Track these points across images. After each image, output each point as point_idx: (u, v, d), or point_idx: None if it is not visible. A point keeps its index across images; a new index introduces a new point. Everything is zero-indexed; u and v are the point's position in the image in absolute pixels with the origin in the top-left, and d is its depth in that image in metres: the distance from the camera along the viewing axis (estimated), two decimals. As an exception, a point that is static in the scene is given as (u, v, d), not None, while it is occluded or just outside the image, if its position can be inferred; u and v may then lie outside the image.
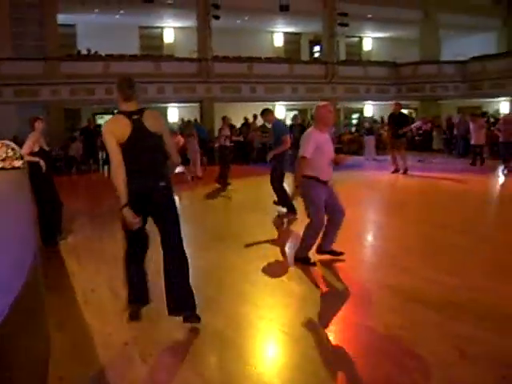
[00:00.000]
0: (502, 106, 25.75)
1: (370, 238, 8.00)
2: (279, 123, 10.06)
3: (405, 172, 15.15)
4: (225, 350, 3.98)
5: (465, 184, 13.16)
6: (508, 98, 25.26)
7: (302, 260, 6.17)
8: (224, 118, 14.42)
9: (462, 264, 6.11)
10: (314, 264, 6.11)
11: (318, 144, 5.90)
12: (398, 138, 15.28)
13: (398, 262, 6.18)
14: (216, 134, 17.73)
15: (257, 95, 24.16)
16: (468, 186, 12.91)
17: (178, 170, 12.76)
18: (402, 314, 4.54)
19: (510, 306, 4.66)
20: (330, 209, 6.08)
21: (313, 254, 6.21)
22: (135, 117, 4.13)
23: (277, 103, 25.99)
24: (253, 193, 13.21)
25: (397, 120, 15.41)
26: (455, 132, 21.45)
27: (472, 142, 17.51)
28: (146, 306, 4.51)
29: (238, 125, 22.99)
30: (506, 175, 14.68)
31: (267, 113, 9.94)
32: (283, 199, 9.40)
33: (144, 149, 4.13)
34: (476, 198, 11.25)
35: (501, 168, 15.41)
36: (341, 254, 6.29)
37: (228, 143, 13.90)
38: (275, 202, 9.74)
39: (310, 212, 6.07)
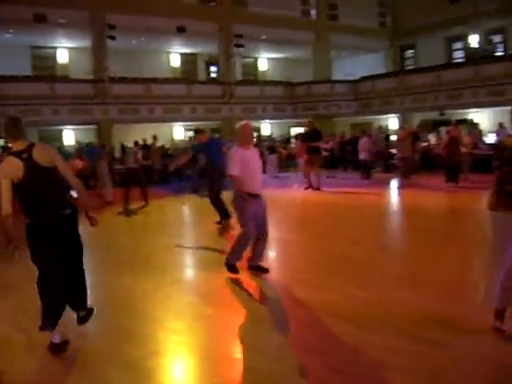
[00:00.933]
0: (391, 121, 27.57)
1: (278, 255, 8.23)
2: (213, 143, 10.92)
3: (317, 189, 15.81)
4: (147, 381, 4.03)
5: (362, 199, 14.01)
6: (396, 115, 27.05)
7: (230, 267, 6.60)
8: (136, 143, 15.15)
9: (371, 277, 6.47)
10: (238, 271, 6.57)
11: (242, 161, 6.38)
12: (315, 153, 15.91)
13: (308, 278, 6.45)
14: (117, 156, 17.77)
15: (155, 116, 24.35)
16: (365, 200, 13.75)
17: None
18: (319, 329, 4.73)
19: (421, 314, 4.94)
20: (257, 224, 6.49)
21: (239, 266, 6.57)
22: (25, 155, 4.26)
23: (175, 124, 26.31)
24: (159, 215, 13.41)
25: (311, 136, 16.13)
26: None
27: (360, 156, 18.86)
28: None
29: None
30: (401, 188, 15.88)
31: (200, 133, 10.96)
32: (223, 210, 10.23)
33: (40, 183, 4.30)
34: (375, 211, 12.03)
35: (398, 181, 16.58)
36: (267, 270, 6.66)
37: (137, 165, 13.97)
38: (219, 222, 10.43)
39: (241, 223, 6.49)
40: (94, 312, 4.92)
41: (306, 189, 16.01)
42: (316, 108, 28.08)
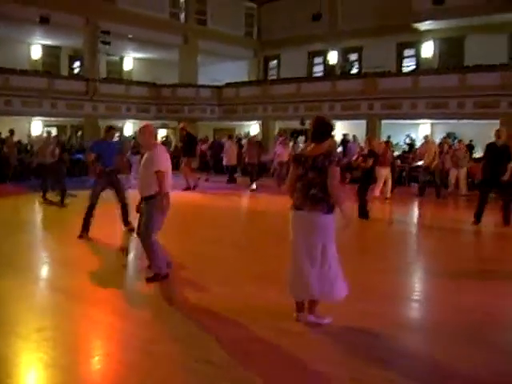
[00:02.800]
0: (253, 128, 28.91)
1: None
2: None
3: (194, 188, 17.07)
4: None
5: (230, 200, 14.89)
6: (258, 122, 28.45)
7: (157, 278, 6.59)
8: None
9: (233, 274, 7.04)
10: (167, 276, 6.66)
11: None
12: (189, 156, 17.34)
13: (172, 277, 6.76)
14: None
15: (13, 109, 23.53)
16: (232, 202, 14.65)
17: None
18: (190, 325, 5.09)
19: (280, 307, 5.46)
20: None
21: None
22: None
23: (34, 118, 25.63)
24: (17, 213, 13.23)
25: (187, 140, 17.46)
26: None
27: (224, 162, 19.95)
28: None
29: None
30: (253, 191, 17.01)
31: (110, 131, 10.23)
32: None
33: None
34: (237, 213, 12.92)
35: (251, 185, 17.75)
36: (167, 276, 6.71)
37: None
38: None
39: (152, 226, 6.46)
40: None
41: (185, 190, 16.79)
42: (181, 111, 28.70)
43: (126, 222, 10.07)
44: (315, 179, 4.93)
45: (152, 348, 4.55)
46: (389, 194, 15.81)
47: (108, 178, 9.70)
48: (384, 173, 15.60)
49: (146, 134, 6.63)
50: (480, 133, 21.00)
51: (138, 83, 29.50)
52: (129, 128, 30.09)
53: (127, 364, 4.32)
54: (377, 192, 15.51)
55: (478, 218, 11.23)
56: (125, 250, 8.72)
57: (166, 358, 4.38)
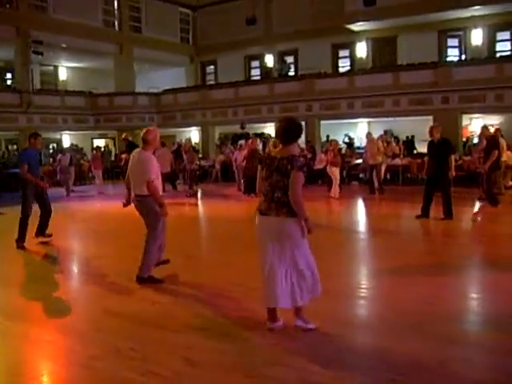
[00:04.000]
0: (193, 134, 28.92)
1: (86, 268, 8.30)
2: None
3: None
4: None
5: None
6: (197, 128, 28.50)
7: (149, 280, 6.72)
8: None
9: (175, 282, 6.94)
10: (161, 281, 6.77)
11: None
12: None
13: (117, 288, 6.75)
14: None
15: None
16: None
17: None
18: (132, 337, 4.98)
19: (231, 313, 5.49)
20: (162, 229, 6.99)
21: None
22: None
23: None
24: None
25: (129, 150, 16.96)
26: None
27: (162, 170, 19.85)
28: None
29: None
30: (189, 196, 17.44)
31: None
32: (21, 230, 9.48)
33: None
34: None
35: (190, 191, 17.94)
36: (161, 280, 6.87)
37: None
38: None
39: (154, 226, 6.72)
40: None
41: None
42: (119, 120, 28.40)
43: (43, 232, 9.90)
44: (279, 182, 4.79)
45: (95, 364, 4.45)
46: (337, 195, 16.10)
47: (36, 187, 9.54)
48: (336, 172, 16.02)
49: (153, 134, 6.73)
50: (415, 129, 21.78)
51: (74, 93, 29.01)
52: (66, 140, 29.50)
53: (70, 382, 4.26)
54: (334, 192, 16.00)
55: (424, 212, 11.60)
56: None
57: (109, 373, 4.29)
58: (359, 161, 19.43)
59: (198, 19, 33.09)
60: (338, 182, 16.10)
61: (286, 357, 4.47)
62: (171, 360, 4.45)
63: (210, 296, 6.24)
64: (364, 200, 16.04)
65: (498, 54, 23.84)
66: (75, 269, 8.60)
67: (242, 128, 25.18)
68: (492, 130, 15.35)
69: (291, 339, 4.85)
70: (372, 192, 16.68)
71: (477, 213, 12.37)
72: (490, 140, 13.42)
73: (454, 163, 11.54)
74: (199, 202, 17.05)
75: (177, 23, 32.69)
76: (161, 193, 6.77)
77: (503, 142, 15.23)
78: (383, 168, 17.81)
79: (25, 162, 9.46)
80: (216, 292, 6.39)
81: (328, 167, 16.35)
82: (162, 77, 32.12)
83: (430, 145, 11.71)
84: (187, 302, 6.05)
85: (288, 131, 4.91)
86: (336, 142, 17.35)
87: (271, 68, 29.00)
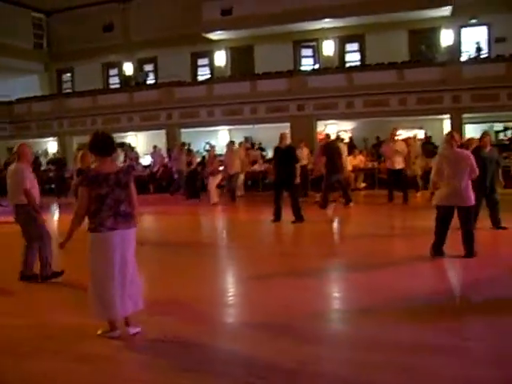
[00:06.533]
0: (50, 145, 27.86)
1: None
2: None
3: None
4: None
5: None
6: (54, 138, 27.45)
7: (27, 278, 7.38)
8: None
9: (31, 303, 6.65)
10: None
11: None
12: None
13: None
14: None
15: None
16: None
17: None
18: None
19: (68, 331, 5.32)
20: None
21: None
22: None
23: None
24: None
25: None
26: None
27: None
28: None
29: None
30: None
31: None
32: None
33: None
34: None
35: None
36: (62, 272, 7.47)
37: None
38: None
39: (34, 233, 7.33)
40: None
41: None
42: (-34, 130, 26.73)
43: None
44: (121, 195, 4.98)
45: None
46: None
47: None
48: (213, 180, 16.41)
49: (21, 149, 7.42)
50: (274, 135, 22.45)
51: None
52: None
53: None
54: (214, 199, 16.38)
55: (277, 216, 12.05)
56: None
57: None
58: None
59: (52, 25, 31.66)
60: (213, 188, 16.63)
61: (145, 371, 4.43)
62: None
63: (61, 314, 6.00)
64: (224, 208, 16.36)
65: (347, 64, 25.19)
66: None
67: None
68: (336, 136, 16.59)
69: (148, 351, 4.81)
70: (233, 200, 17.18)
71: (330, 213, 13.08)
72: (322, 147, 14.43)
73: (299, 170, 12.15)
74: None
75: (29, 28, 31.04)
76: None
77: (343, 148, 16.31)
78: (242, 176, 18.36)
79: None
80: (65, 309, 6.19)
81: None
82: (15, 85, 30.48)
83: (277, 151, 12.24)
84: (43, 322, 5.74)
85: (108, 144, 5.11)
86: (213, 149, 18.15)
87: (130, 76, 28.62)
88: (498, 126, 22.58)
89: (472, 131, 18.81)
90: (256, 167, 20.04)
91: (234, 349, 4.87)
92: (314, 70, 25.49)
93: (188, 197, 18.36)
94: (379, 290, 6.46)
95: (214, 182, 16.72)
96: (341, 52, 25.54)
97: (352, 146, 20.22)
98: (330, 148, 14.07)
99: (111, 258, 4.95)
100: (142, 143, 26.42)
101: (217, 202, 16.43)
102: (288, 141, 12.18)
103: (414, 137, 18.37)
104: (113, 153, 5.15)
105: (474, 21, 23.04)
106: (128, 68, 28.54)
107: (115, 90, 27.98)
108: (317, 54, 26.17)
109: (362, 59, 25.15)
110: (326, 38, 25.11)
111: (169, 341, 4.98)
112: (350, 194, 14.92)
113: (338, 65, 24.95)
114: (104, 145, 5.06)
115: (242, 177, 18.50)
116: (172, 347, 4.87)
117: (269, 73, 23.76)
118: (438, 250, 7.99)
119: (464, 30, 23.86)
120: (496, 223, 10.08)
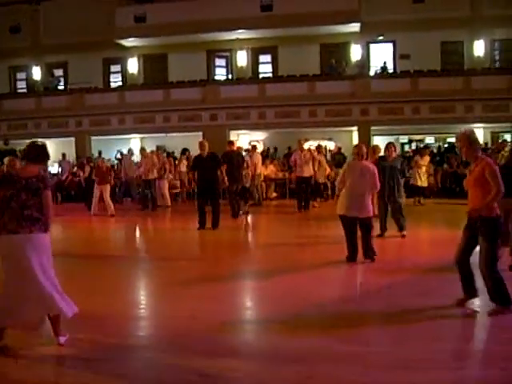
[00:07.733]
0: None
1: None
2: None
3: None
4: None
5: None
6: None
7: None
8: None
9: None
10: None
11: None
12: None
13: None
14: None
15: None
16: None
17: None
18: None
19: None
20: None
21: None
22: None
23: None
24: None
25: None
26: None
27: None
28: None
29: None
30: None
31: None
32: None
33: None
34: None
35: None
36: None
37: None
38: None
39: None
40: None
41: None
42: None
43: None
44: (29, 200, 4.93)
45: None
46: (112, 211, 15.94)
47: None
48: (99, 190, 15.88)
49: None
50: (187, 144, 22.36)
51: None
52: None
53: None
54: (95, 209, 15.99)
55: (201, 223, 12.09)
56: None
57: None
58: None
59: None
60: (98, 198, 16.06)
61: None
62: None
63: None
64: (145, 216, 16.24)
65: (260, 75, 25.57)
66: None
67: (6, 144, 23.66)
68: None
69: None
70: (153, 208, 16.98)
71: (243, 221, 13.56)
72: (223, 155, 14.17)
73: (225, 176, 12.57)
74: None
75: None
76: None
77: (258, 157, 16.48)
78: (165, 183, 18.15)
79: None
80: None
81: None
82: None
83: (198, 159, 12.29)
84: None
85: (37, 152, 5.24)
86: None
87: (38, 81, 27.73)
88: (404, 139, 23.68)
89: (380, 143, 19.50)
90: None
91: (136, 365, 4.82)
92: (227, 79, 25.67)
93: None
94: (285, 298, 6.55)
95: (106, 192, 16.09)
96: (254, 63, 25.88)
97: (264, 156, 20.52)
98: (228, 156, 13.87)
99: (11, 262, 4.90)
100: (50, 151, 25.60)
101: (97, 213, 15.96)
102: (206, 148, 12.22)
103: (318, 147, 18.61)
104: (40, 160, 5.24)
105: (380, 38, 24.00)
106: (36, 72, 27.64)
107: (22, 95, 27.03)
108: (230, 65, 26.39)
109: (275, 71, 25.58)
110: (240, 49, 25.36)
111: (74, 357, 4.84)
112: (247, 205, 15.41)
113: (251, 75, 25.25)
114: (34, 150, 5.25)
115: (166, 184, 18.20)
116: (77, 364, 4.71)
117: (182, 81, 23.73)
118: (351, 257, 8.38)
119: (372, 46, 24.85)
120: (400, 229, 10.54)
